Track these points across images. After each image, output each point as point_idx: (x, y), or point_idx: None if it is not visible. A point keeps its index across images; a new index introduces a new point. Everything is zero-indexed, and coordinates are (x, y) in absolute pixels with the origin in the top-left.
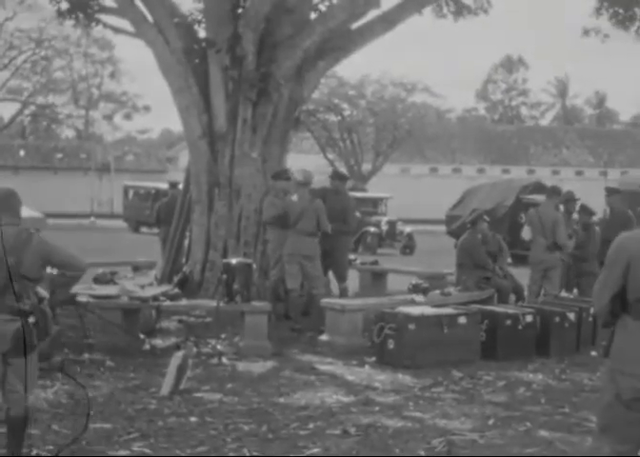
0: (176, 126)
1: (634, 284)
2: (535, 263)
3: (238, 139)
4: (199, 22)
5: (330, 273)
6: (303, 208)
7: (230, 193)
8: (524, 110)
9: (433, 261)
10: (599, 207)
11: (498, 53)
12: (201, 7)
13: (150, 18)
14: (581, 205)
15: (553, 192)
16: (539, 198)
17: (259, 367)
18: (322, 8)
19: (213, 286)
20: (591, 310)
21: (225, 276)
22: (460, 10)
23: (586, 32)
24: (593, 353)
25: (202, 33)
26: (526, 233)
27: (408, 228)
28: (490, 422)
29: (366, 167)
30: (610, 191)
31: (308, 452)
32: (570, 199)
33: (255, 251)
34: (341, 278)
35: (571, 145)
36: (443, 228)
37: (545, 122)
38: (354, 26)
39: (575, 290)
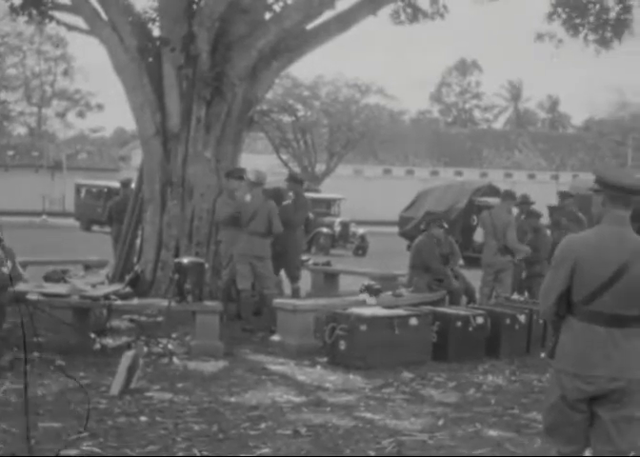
0: (129, 124)
1: (579, 285)
2: (487, 265)
3: (191, 138)
4: (153, 20)
5: (283, 274)
6: (256, 209)
7: (183, 193)
8: (477, 113)
9: (386, 262)
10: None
11: (452, 56)
12: (156, 5)
13: (104, 16)
14: (529, 208)
15: (507, 196)
16: (492, 201)
17: (210, 366)
18: (277, 8)
19: (165, 285)
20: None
21: (176, 276)
22: (416, 15)
23: (539, 37)
24: (543, 355)
25: (156, 32)
26: (478, 236)
27: (360, 230)
28: (440, 422)
29: (319, 168)
30: (563, 195)
31: (258, 452)
32: (524, 202)
33: (208, 251)
34: (293, 278)
35: (524, 148)
36: (396, 229)
37: (498, 125)
38: (309, 26)
39: (526, 293)
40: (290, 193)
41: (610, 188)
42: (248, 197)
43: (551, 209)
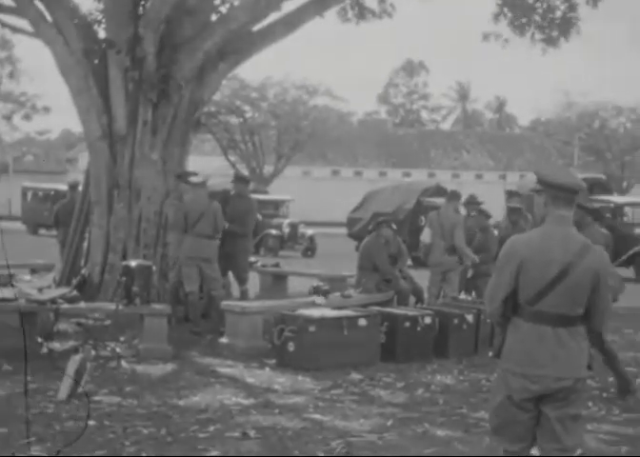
0: (76, 127)
1: (525, 286)
2: (434, 265)
3: (138, 140)
4: (99, 22)
5: (231, 275)
6: (201, 211)
7: (130, 195)
8: (425, 114)
9: (334, 263)
10: (499, 209)
11: (399, 57)
12: (101, 7)
13: (49, 18)
14: (478, 208)
15: (453, 196)
16: (439, 201)
17: (158, 369)
18: (223, 10)
19: (112, 288)
20: None
21: (124, 279)
22: (364, 14)
23: (485, 37)
24: (491, 354)
25: (102, 34)
26: (425, 236)
27: (309, 231)
28: (389, 423)
29: (267, 169)
30: (510, 194)
31: (207, 455)
32: (471, 202)
33: (155, 254)
34: (241, 280)
35: (472, 148)
36: (344, 230)
37: (446, 126)
38: (255, 28)
39: (473, 292)
40: (233, 192)
41: (552, 188)
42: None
43: (509, 210)
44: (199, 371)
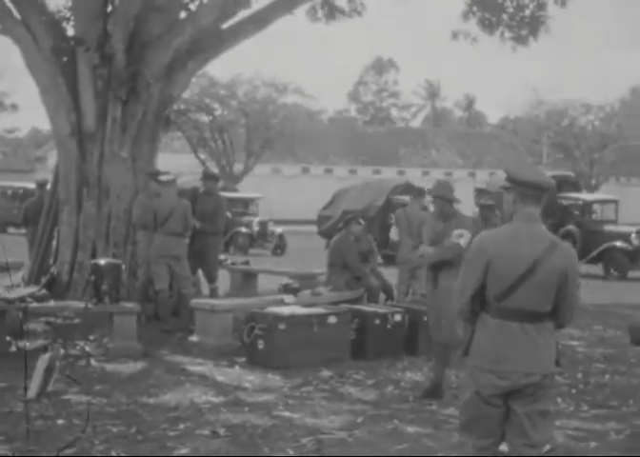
0: (45, 125)
1: (493, 282)
2: (403, 263)
3: (107, 138)
4: (68, 20)
5: (201, 273)
6: (171, 209)
7: (100, 193)
8: (395, 112)
9: (304, 261)
10: (468, 207)
11: (369, 55)
12: (70, 4)
13: (17, 15)
14: None
15: (418, 193)
16: (409, 199)
17: (128, 368)
18: (192, 7)
19: (82, 287)
20: None
21: (93, 277)
22: (334, 13)
23: (455, 35)
24: (460, 351)
25: (71, 31)
26: (394, 234)
27: (279, 229)
28: (359, 420)
29: (237, 167)
30: (480, 192)
31: (176, 453)
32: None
33: (125, 252)
34: (211, 278)
35: (441, 146)
36: (314, 228)
37: (415, 123)
38: (225, 26)
39: None
40: (202, 190)
41: (521, 185)
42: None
43: (482, 207)
44: (169, 370)
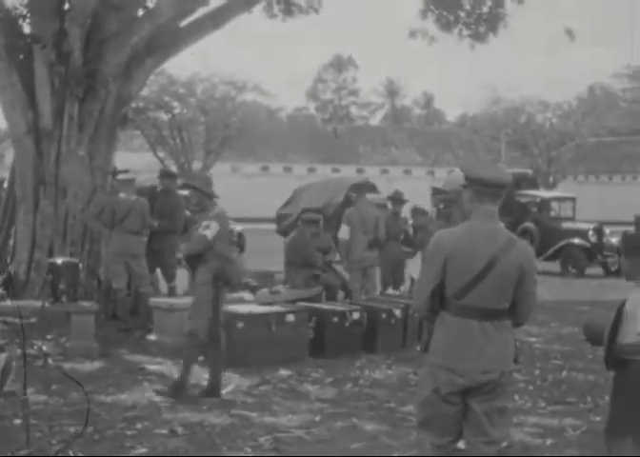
0: (1, 123)
1: (451, 280)
2: (355, 261)
3: (64, 136)
4: (24, 17)
5: (159, 272)
6: (129, 207)
7: (57, 192)
8: (354, 110)
9: (264, 259)
10: (426, 205)
11: (328, 53)
12: (26, 1)
13: None
14: (414, 206)
15: (363, 188)
16: (369, 196)
17: (86, 367)
18: (150, 5)
19: (39, 286)
20: None
21: (50, 276)
22: (290, 10)
23: (412, 34)
24: (419, 348)
25: (27, 29)
26: (344, 233)
27: (238, 227)
28: (317, 418)
29: (196, 165)
30: (436, 190)
31: (134, 452)
32: (396, 198)
33: (82, 251)
34: (169, 277)
35: (400, 144)
36: (273, 226)
37: (374, 121)
38: (183, 23)
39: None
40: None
41: (477, 183)
42: (121, 195)
43: (446, 203)
44: (127, 369)
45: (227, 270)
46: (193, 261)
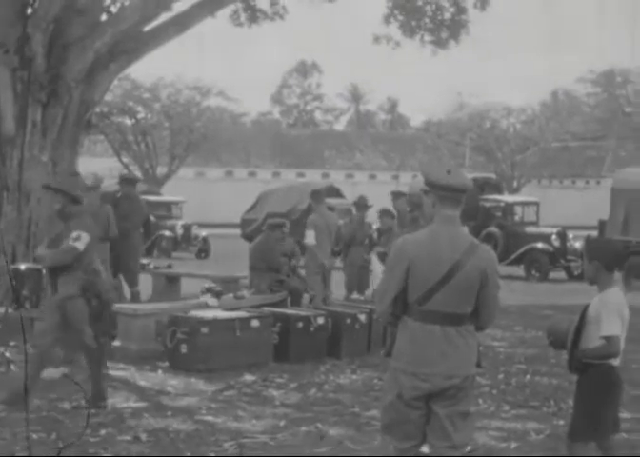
0: None
1: (414, 286)
2: (319, 266)
3: (27, 142)
4: None
5: (122, 278)
6: (92, 213)
7: (20, 197)
8: (319, 115)
9: (229, 265)
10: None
11: (292, 58)
12: None
13: None
14: (381, 209)
15: (320, 194)
16: (333, 201)
17: (49, 373)
18: (113, 10)
19: (2, 292)
20: None
21: (13, 282)
22: (255, 17)
23: (376, 39)
24: (382, 353)
25: None
26: (310, 238)
27: (203, 232)
28: (282, 423)
29: (161, 170)
30: (396, 195)
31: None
32: (360, 204)
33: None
34: (132, 283)
35: (365, 149)
36: (238, 231)
37: (339, 126)
38: (146, 28)
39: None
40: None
41: (439, 188)
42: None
43: (412, 207)
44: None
45: (95, 283)
46: (56, 271)
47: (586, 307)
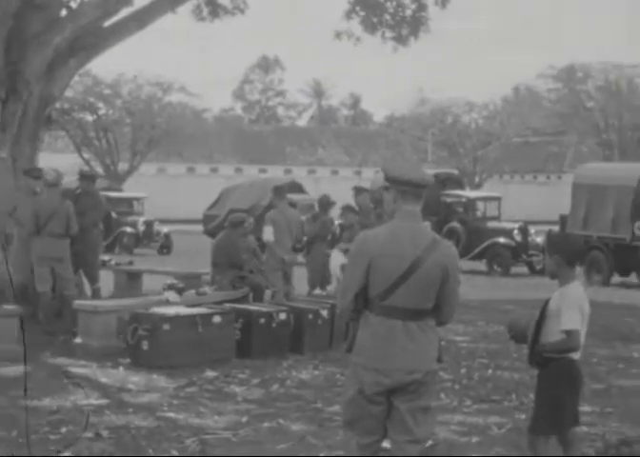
0: None
1: (375, 281)
2: (279, 261)
3: None
4: None
5: (83, 274)
6: (53, 210)
7: None
8: (281, 111)
9: (191, 261)
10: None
11: (254, 54)
12: None
13: None
14: (344, 205)
15: (282, 190)
16: (296, 197)
17: (9, 371)
18: (73, 5)
19: None
20: None
21: None
22: (217, 11)
23: (337, 35)
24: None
25: None
26: (269, 235)
27: (165, 228)
28: (244, 419)
29: (122, 166)
30: (358, 191)
31: (59, 456)
32: (324, 202)
33: (6, 253)
34: (93, 279)
35: (327, 145)
36: (200, 227)
37: (302, 122)
38: (107, 23)
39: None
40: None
41: (399, 183)
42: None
43: (375, 203)
44: (51, 372)
45: None
46: None
47: (546, 302)
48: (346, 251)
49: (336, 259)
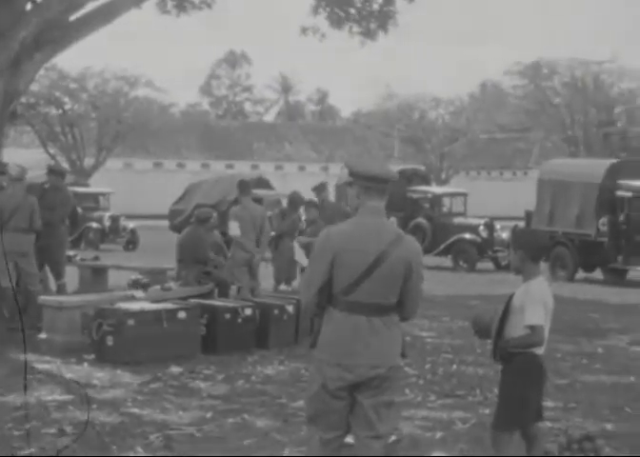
0: None
1: (339, 277)
2: (244, 258)
3: None
4: None
5: (48, 270)
6: (17, 205)
7: None
8: (248, 106)
9: (157, 256)
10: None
11: (221, 49)
12: None
13: None
14: (307, 200)
15: (247, 186)
16: (262, 193)
17: None
18: None
19: None
20: None
21: None
22: (183, 5)
23: (304, 30)
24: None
25: None
26: (235, 230)
27: (131, 224)
28: (209, 415)
29: (88, 161)
30: (318, 189)
31: (22, 453)
32: (293, 199)
33: None
34: (58, 275)
35: (294, 140)
36: (167, 223)
37: (269, 118)
38: (72, 17)
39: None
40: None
41: (363, 178)
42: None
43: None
44: (15, 368)
45: None
46: None
47: (510, 297)
48: (307, 246)
49: (298, 251)
